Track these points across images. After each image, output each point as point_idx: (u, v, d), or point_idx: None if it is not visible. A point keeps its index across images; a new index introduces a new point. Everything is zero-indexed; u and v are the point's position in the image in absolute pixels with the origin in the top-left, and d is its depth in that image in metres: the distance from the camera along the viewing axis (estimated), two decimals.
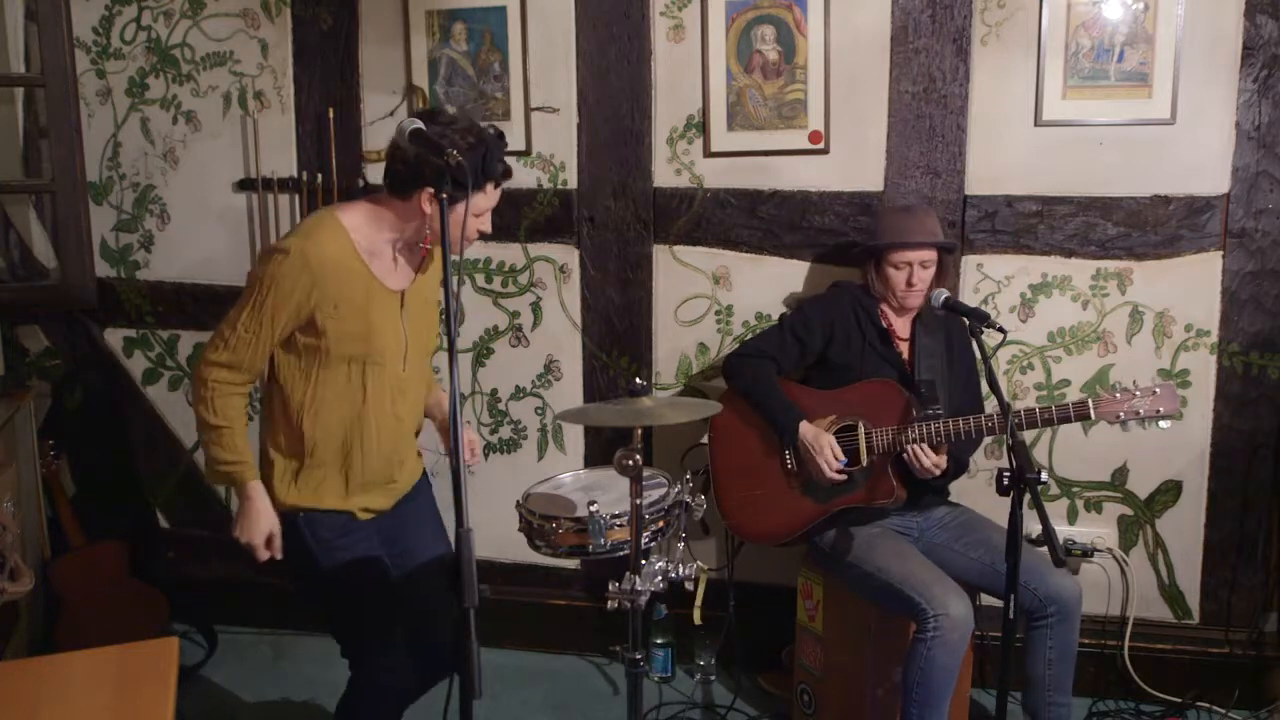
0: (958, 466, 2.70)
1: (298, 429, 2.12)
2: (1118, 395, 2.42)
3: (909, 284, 2.66)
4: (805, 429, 2.65)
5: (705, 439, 2.94)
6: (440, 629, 2.31)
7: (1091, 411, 2.43)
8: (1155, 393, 2.39)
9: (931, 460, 2.52)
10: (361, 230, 2.08)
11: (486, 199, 2.08)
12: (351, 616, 2.23)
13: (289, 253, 2.01)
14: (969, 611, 2.40)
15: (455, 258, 1.76)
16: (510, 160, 3.10)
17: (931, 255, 2.67)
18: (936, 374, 2.68)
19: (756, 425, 2.76)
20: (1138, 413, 2.40)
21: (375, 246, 2.10)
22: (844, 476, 2.61)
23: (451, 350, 1.66)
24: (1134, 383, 2.44)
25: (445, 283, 1.73)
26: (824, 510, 2.68)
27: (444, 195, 1.77)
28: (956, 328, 2.77)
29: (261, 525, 2.11)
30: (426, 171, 1.95)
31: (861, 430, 2.63)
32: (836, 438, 2.64)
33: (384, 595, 2.22)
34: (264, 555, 2.12)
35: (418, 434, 2.38)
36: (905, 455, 2.54)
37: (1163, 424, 2.41)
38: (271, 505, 2.12)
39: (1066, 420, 2.47)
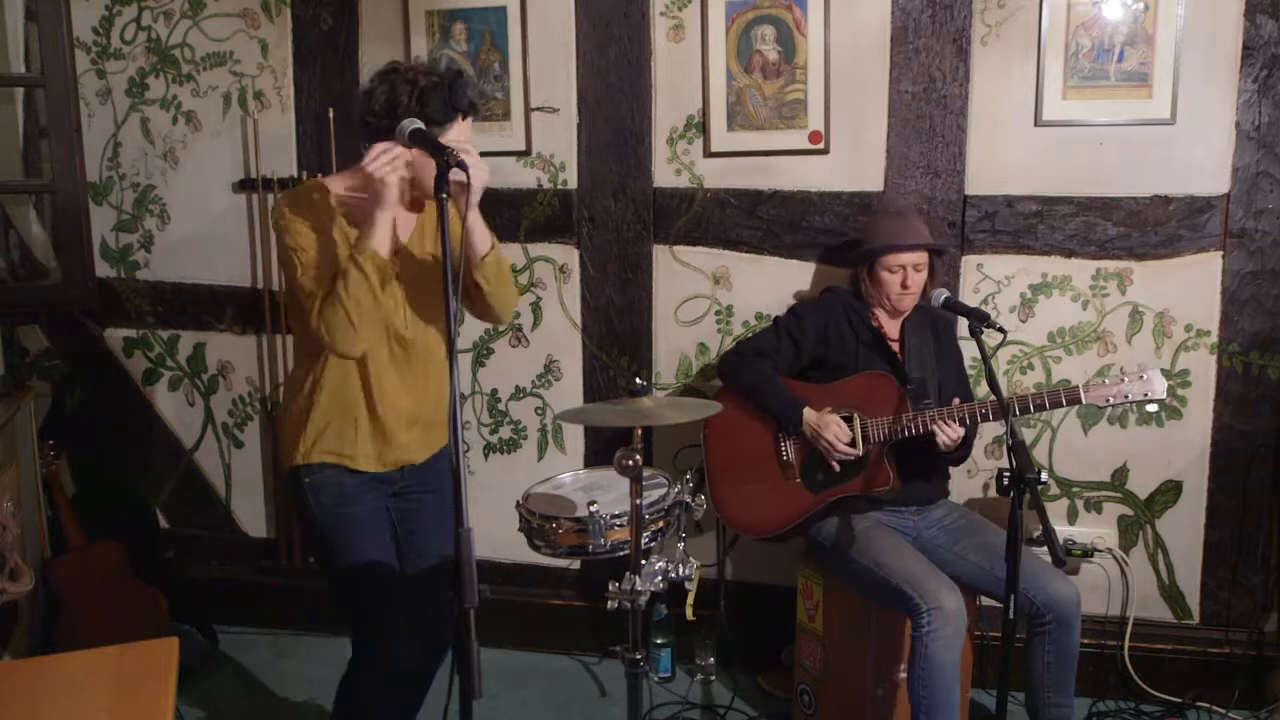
0: (965, 446, 2.71)
1: (306, 379, 2.18)
2: (1106, 381, 2.51)
3: (904, 286, 2.68)
4: (809, 414, 2.67)
5: (700, 437, 2.94)
6: (445, 623, 2.31)
7: (1082, 395, 2.49)
8: (1142, 377, 2.48)
9: (954, 433, 2.55)
10: (343, 188, 2.16)
11: (457, 134, 2.09)
12: (351, 590, 2.23)
13: (288, 195, 2.17)
14: (961, 605, 2.41)
15: (454, 264, 1.75)
16: (510, 160, 3.17)
17: (923, 258, 2.69)
18: (926, 371, 2.72)
19: (750, 419, 2.77)
20: (1126, 396, 2.49)
21: (358, 202, 2.14)
22: (856, 451, 2.62)
23: (451, 350, 1.66)
24: (1121, 369, 2.54)
25: (445, 282, 1.73)
26: (820, 500, 2.70)
27: (444, 195, 1.77)
28: (941, 325, 2.81)
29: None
30: (398, 112, 2.00)
31: (857, 420, 2.64)
32: None
33: (384, 573, 2.22)
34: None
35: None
36: (936, 430, 2.55)
37: (1150, 407, 2.53)
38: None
39: (1059, 405, 2.52)
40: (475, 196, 2.03)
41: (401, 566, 2.30)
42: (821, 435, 2.64)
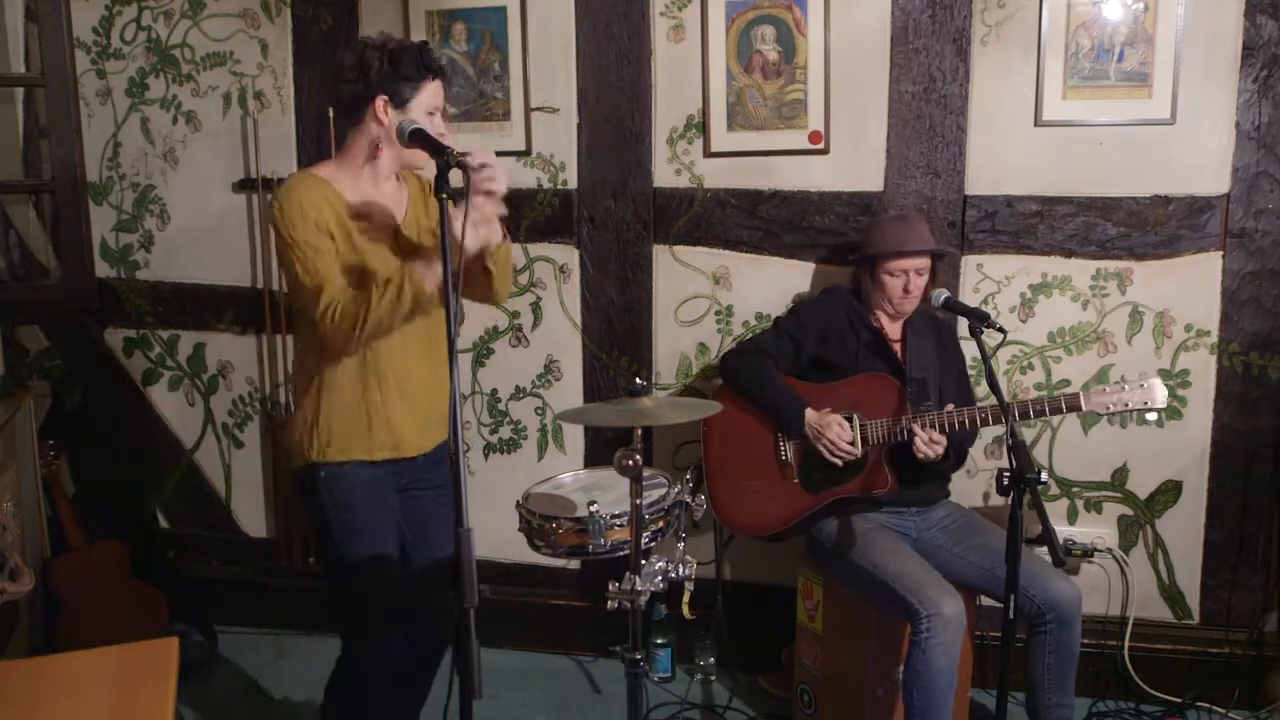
0: (958, 457, 2.73)
1: (319, 374, 2.16)
2: (1107, 389, 2.52)
3: (905, 291, 2.68)
4: (810, 414, 2.67)
5: (699, 435, 2.94)
6: (445, 625, 2.30)
7: (1082, 402, 2.50)
8: (1143, 385, 2.49)
9: (933, 439, 2.55)
10: (338, 176, 2.15)
11: (432, 95, 2.11)
12: (354, 587, 2.23)
13: (284, 192, 2.09)
14: (961, 610, 2.41)
15: (454, 261, 1.74)
16: (510, 160, 3.17)
17: (926, 263, 2.70)
18: (928, 373, 2.72)
19: (749, 418, 2.77)
20: (1126, 404, 2.50)
21: (357, 185, 2.15)
22: (857, 451, 2.62)
23: (452, 350, 1.66)
24: (1122, 377, 2.56)
25: (445, 282, 1.73)
26: (817, 500, 2.69)
27: (443, 196, 1.76)
28: (944, 327, 2.81)
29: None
30: (372, 76, 2.03)
31: (857, 421, 2.64)
32: None
33: (389, 574, 2.22)
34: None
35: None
36: (915, 442, 2.56)
37: (1150, 416, 2.54)
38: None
39: (1059, 411, 2.53)
40: (498, 200, 2.04)
41: (407, 563, 2.29)
42: (823, 435, 2.64)
